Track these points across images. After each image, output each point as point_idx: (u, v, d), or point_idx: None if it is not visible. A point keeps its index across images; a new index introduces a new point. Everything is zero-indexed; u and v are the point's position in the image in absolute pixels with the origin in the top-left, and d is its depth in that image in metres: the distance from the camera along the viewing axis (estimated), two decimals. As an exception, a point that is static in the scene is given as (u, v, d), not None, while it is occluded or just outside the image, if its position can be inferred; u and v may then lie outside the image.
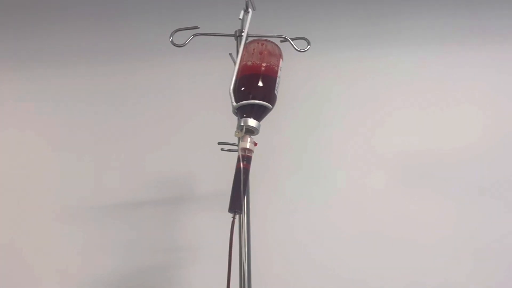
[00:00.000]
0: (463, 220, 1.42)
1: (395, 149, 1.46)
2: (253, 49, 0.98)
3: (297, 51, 1.08)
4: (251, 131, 0.92)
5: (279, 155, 1.47)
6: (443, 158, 1.45)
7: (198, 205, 1.44)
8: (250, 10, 1.03)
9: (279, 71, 0.98)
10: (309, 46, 1.09)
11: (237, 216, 0.88)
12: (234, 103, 0.93)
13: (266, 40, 1.02)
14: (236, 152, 0.92)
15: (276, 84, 0.97)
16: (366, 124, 1.49)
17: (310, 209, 1.44)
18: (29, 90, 1.54)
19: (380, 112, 1.50)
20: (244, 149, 0.91)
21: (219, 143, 1.02)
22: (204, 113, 1.49)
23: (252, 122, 0.92)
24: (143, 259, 1.42)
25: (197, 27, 1.08)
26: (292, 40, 1.08)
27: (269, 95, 0.95)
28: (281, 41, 1.08)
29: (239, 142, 0.93)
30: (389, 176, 1.46)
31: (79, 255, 1.43)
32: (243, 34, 1.02)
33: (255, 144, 0.93)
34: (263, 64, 0.96)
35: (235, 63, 0.98)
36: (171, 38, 1.06)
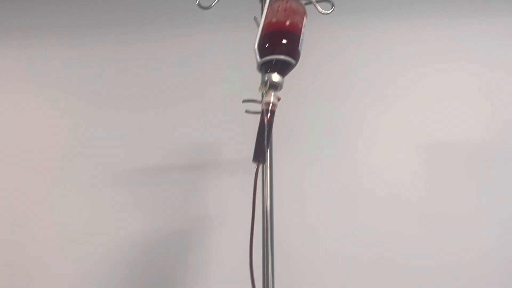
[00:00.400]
0: (487, 192, 1.40)
1: (419, 123, 1.45)
2: (278, 7, 1.00)
3: (321, 14, 1.09)
4: (274, 86, 0.95)
5: (301, 119, 1.48)
6: (467, 132, 1.43)
7: (223, 170, 1.47)
8: (275, -30, 1.04)
9: (303, 28, 1.00)
10: (333, 8, 1.09)
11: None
12: (259, 59, 0.96)
13: (291, -1, 1.03)
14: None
15: (300, 41, 0.99)
16: (389, 93, 1.49)
17: (329, 174, 1.45)
18: (63, 56, 1.60)
19: (403, 82, 1.49)
20: (268, 103, 0.94)
21: (243, 101, 1.04)
22: (229, 80, 1.52)
23: (275, 77, 0.94)
24: (171, 222, 1.46)
25: (223, -11, 1.10)
26: (316, 2, 1.09)
27: (293, 51, 0.97)
28: (305, 3, 1.09)
29: (262, 98, 0.96)
30: (411, 149, 1.45)
31: (109, 217, 1.49)
32: (267, -5, 1.04)
33: (279, 99, 0.96)
34: (287, 21, 0.98)
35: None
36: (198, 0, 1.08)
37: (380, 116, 1.47)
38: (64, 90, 1.58)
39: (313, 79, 1.50)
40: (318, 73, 1.50)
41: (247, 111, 1.04)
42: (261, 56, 0.96)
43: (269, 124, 0.93)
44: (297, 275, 1.38)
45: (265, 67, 0.96)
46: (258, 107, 0.98)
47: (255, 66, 0.99)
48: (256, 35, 0.97)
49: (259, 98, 0.98)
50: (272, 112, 0.94)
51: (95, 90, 1.57)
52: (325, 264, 1.38)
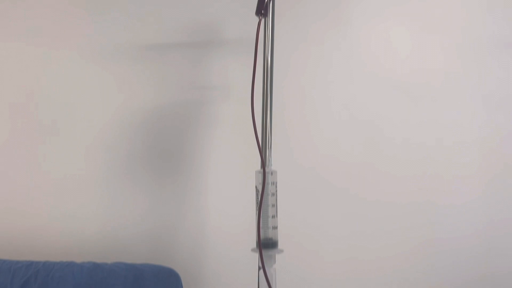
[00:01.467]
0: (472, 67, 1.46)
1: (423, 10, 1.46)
2: None
3: None
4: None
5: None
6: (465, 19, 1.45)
7: (227, 48, 1.50)
8: None
9: None
10: None
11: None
12: None
13: None
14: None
15: None
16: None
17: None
18: None
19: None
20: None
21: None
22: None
23: None
24: (176, 95, 1.52)
25: None
26: None
27: None
28: None
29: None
30: (412, 33, 1.45)
31: (119, 90, 1.53)
32: None
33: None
34: None
35: None
36: None
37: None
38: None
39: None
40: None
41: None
42: None
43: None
44: (292, 134, 1.46)
45: None
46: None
47: None
48: None
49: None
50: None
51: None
52: (320, 128, 1.46)
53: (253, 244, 0.98)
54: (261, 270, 0.92)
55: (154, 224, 1.49)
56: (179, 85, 1.52)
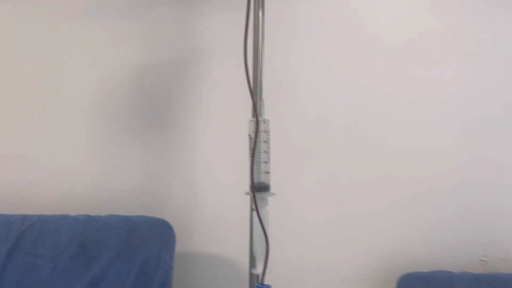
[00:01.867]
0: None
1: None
2: None
3: None
4: None
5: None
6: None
7: (215, 5, 1.50)
8: None
9: None
10: None
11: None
12: None
13: None
14: None
15: None
16: None
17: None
18: None
19: None
20: None
21: None
22: None
23: None
24: (162, 55, 1.52)
25: None
26: None
27: None
28: None
29: None
30: None
31: (102, 48, 1.52)
32: None
33: None
34: None
35: None
36: None
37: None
38: None
39: None
40: None
41: None
42: None
43: None
44: (282, 94, 1.48)
45: None
46: None
47: None
48: None
49: None
50: None
51: None
52: (307, 89, 1.50)
53: (245, 190, 1.03)
54: (254, 212, 0.97)
55: (146, 177, 1.53)
56: (168, 41, 1.52)
